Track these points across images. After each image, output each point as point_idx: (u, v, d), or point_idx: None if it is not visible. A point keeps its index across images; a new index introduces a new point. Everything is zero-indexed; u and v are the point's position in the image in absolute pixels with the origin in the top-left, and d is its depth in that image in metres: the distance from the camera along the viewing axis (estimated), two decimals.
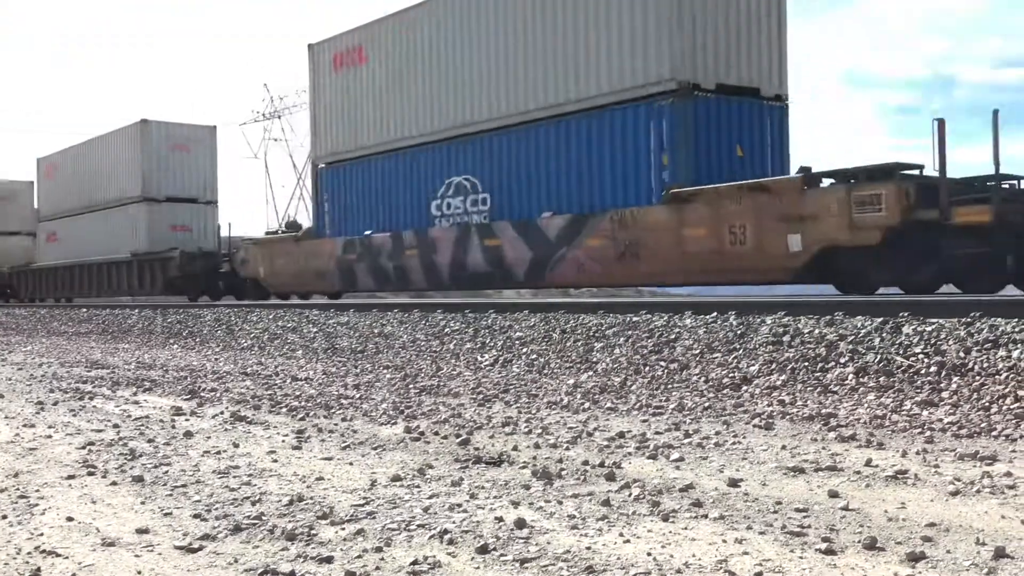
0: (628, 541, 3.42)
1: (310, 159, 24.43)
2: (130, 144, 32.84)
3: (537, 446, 5.41)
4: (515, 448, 5.36)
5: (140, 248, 32.10)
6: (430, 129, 20.48)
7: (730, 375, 7.64)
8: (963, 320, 7.29)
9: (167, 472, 4.90)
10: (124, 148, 33.19)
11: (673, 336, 8.94)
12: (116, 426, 6.60)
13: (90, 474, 4.93)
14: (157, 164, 32.27)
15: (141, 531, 3.74)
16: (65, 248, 37.28)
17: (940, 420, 5.70)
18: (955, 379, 6.45)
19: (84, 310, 24.48)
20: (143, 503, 4.25)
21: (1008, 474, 4.29)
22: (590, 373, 8.64)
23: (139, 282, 32.10)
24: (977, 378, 6.36)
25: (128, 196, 32.87)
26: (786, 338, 7.99)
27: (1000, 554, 3.10)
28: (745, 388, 7.32)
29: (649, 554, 3.26)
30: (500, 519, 3.73)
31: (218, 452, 5.47)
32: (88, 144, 36.27)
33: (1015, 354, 6.41)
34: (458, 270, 19.27)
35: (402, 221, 21.10)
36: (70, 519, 3.97)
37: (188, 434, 6.14)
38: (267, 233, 27.97)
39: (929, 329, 7.27)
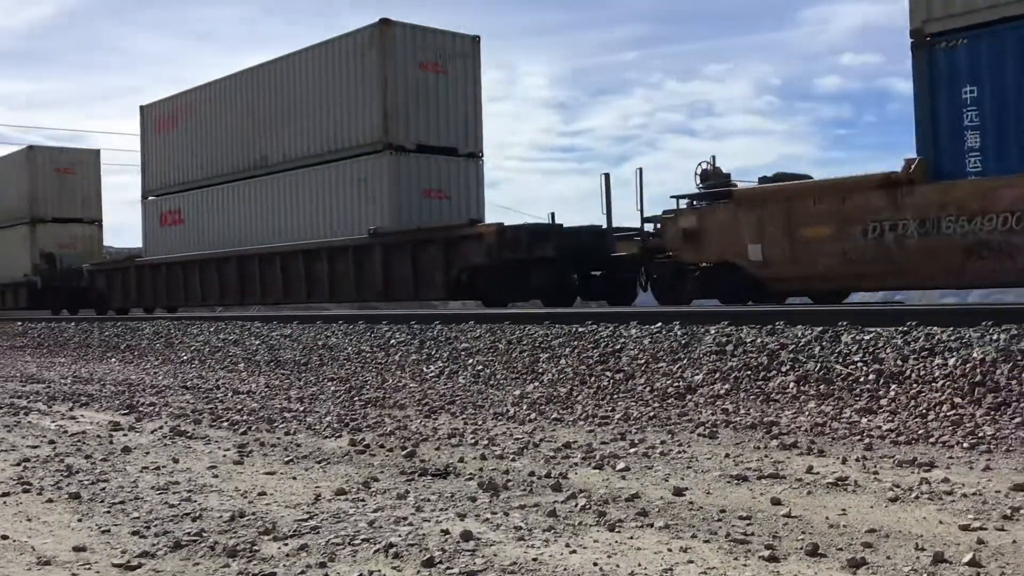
0: (574, 551, 3.43)
1: (920, 22, 12.09)
2: (356, 60, 20.13)
3: (484, 457, 5.40)
4: (461, 460, 5.34)
5: (383, 224, 19.41)
6: None
7: (675, 384, 7.70)
8: (900, 329, 7.43)
9: (105, 489, 4.80)
10: (342, 67, 20.46)
11: (618, 346, 8.99)
12: (52, 442, 6.46)
13: (25, 491, 4.81)
14: (404, 93, 19.72)
15: (78, 549, 3.66)
16: (200, 232, 24.63)
17: (879, 427, 5.80)
18: (893, 387, 6.57)
19: (19, 323, 23.89)
20: (80, 520, 4.16)
21: (945, 480, 4.37)
22: (536, 384, 8.65)
23: (387, 279, 19.22)
24: (914, 386, 6.49)
25: (354, 144, 20.15)
26: (729, 347, 8.08)
27: (939, 559, 3.16)
28: (689, 397, 7.38)
29: (595, 564, 3.26)
30: (446, 532, 3.71)
31: (157, 468, 5.37)
32: (262, 70, 22.99)
33: (951, 362, 6.55)
34: None
35: None
36: (5, 537, 3.87)
37: (126, 450, 6.02)
38: (720, 186, 15.05)
39: (867, 338, 7.40)
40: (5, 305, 33.57)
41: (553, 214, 17.86)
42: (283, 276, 21.65)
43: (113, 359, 15.15)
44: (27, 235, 32.40)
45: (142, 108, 27.48)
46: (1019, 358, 6.29)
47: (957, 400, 6.09)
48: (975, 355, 6.49)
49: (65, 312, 30.52)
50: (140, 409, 8.24)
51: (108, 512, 4.28)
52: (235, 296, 23.48)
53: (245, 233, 23.18)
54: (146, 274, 26.40)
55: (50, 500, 4.59)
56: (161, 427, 7.06)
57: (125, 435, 6.75)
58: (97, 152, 34.11)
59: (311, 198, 21.33)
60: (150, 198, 27.26)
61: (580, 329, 9.87)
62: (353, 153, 20.25)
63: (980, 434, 5.38)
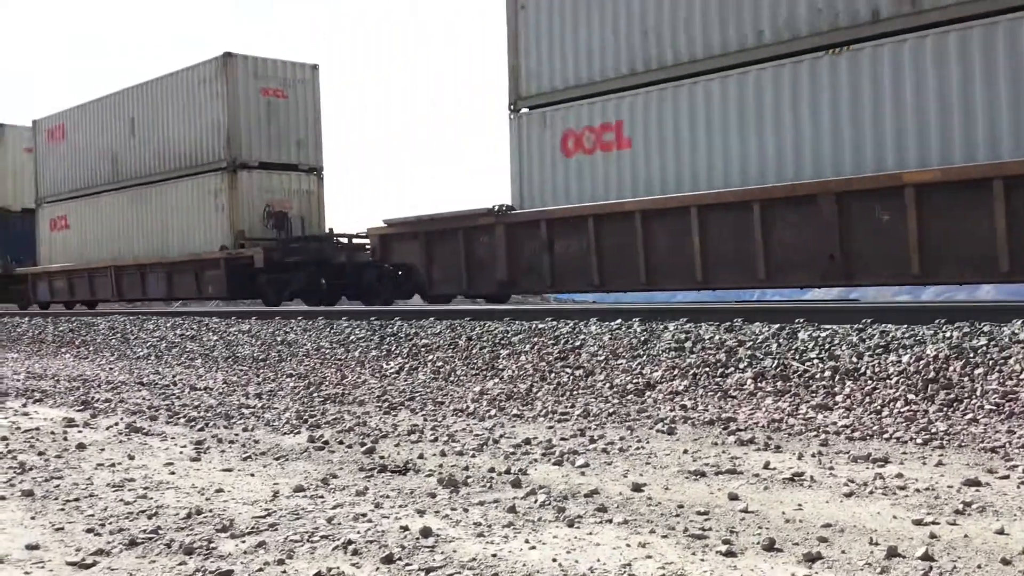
0: (534, 548, 3.43)
1: None
2: None
3: (443, 454, 5.39)
4: (421, 456, 5.33)
5: None
6: None
7: (634, 381, 7.74)
8: (855, 326, 7.52)
9: (59, 486, 4.74)
10: None
11: (578, 343, 9.02)
12: (4, 438, 6.35)
13: None
14: None
15: (31, 547, 3.61)
16: (671, 162, 13.17)
17: (834, 423, 5.87)
18: (848, 383, 6.66)
19: None
20: (33, 518, 4.09)
21: (899, 475, 4.44)
22: (496, 380, 8.65)
23: None
24: (869, 382, 6.57)
25: None
26: (688, 344, 8.13)
27: (892, 553, 3.21)
28: (649, 394, 7.43)
29: (555, 560, 3.27)
30: (406, 528, 3.71)
31: (112, 465, 5.30)
32: None
33: (905, 359, 6.64)
34: None
35: None
36: None
37: (81, 446, 5.94)
38: None
39: (823, 335, 7.49)
40: (174, 293, 22.68)
41: None
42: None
43: (67, 355, 14.93)
44: (223, 188, 20.91)
45: None
46: (971, 355, 6.40)
47: (911, 396, 6.19)
48: (929, 352, 6.60)
49: (289, 303, 20.24)
50: (95, 405, 8.13)
51: (62, 509, 4.23)
52: (823, 271, 11.61)
53: (811, 156, 11.80)
54: (536, 237, 14.53)
55: (2, 497, 4.51)
56: (116, 423, 6.97)
57: (80, 432, 6.66)
58: (315, 68, 22.23)
59: None
60: (526, 111, 15.12)
61: (540, 326, 9.89)
62: None
63: (933, 430, 5.47)
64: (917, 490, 4.15)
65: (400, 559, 3.32)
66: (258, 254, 19.87)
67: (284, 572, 3.23)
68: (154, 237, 22.81)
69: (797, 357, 7.25)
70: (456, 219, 15.66)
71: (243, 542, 3.59)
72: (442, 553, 3.38)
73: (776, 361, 7.29)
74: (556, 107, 14.58)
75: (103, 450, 5.83)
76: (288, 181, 21.54)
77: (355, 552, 3.41)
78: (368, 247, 18.33)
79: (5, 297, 28.44)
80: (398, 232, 16.91)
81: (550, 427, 6.29)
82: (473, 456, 5.31)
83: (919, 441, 5.25)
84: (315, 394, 8.45)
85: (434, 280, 16.20)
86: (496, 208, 14.97)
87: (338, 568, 3.24)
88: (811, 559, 3.20)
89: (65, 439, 6.30)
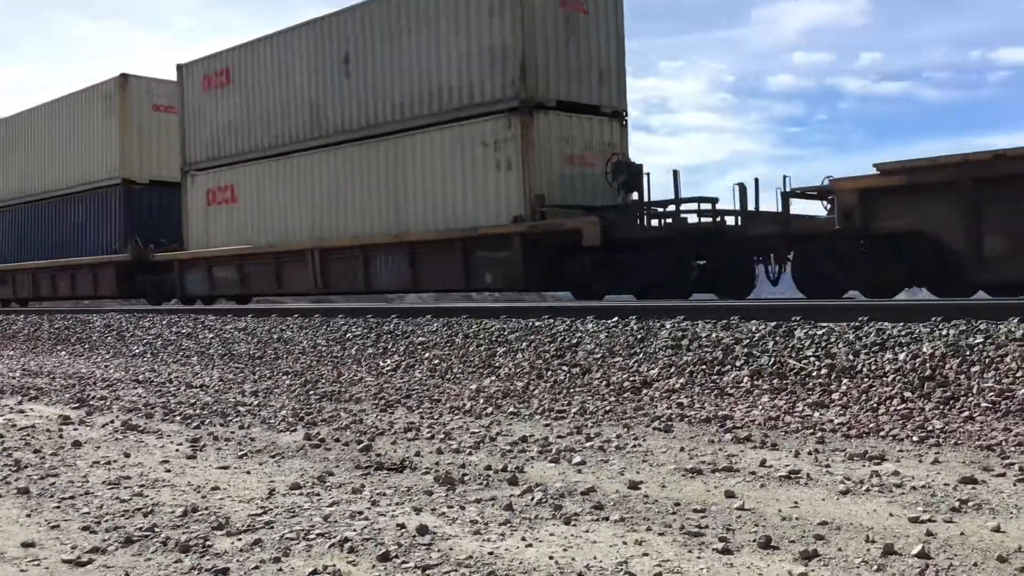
0: (530, 545, 3.43)
1: None
2: None
3: (440, 451, 5.39)
4: (417, 454, 5.32)
5: None
6: None
7: (631, 379, 7.74)
8: (852, 324, 7.53)
9: (54, 483, 4.73)
10: None
11: (575, 340, 9.01)
12: (0, 436, 6.34)
13: None
14: None
15: (27, 545, 3.60)
16: None
17: (831, 421, 5.87)
18: (845, 381, 6.66)
19: None
20: (29, 516, 4.09)
21: (896, 473, 4.44)
22: (493, 378, 8.64)
23: None
24: (865, 380, 6.58)
25: None
26: (684, 342, 8.14)
27: (889, 551, 3.21)
28: (645, 391, 7.43)
29: (551, 558, 3.27)
30: (402, 526, 3.70)
31: (108, 462, 5.30)
32: None
33: (901, 356, 6.65)
34: None
35: None
36: None
37: (77, 444, 5.93)
38: None
39: (820, 332, 7.49)
40: (420, 283, 17.19)
41: None
42: None
43: (63, 352, 14.91)
44: (512, 137, 15.09)
45: None
46: (968, 353, 6.41)
47: (907, 394, 6.19)
48: (925, 350, 6.60)
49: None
50: (91, 403, 8.11)
51: (58, 507, 4.22)
52: None
53: None
54: None
55: None
56: (112, 421, 6.96)
57: (75, 429, 6.65)
58: None
59: None
60: None
61: (537, 323, 9.88)
62: None
63: (929, 428, 5.47)
64: (913, 488, 4.15)
65: (396, 557, 3.32)
66: (591, 226, 13.77)
67: (280, 570, 3.22)
68: (384, 208, 17.05)
69: (794, 355, 7.25)
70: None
71: (239, 540, 3.58)
72: (438, 551, 3.38)
73: (772, 359, 7.29)
74: None
75: (99, 448, 5.82)
76: (589, 129, 15.62)
77: (351, 550, 3.40)
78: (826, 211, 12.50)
79: (131, 290, 23.55)
80: (903, 183, 10.79)
81: (547, 425, 6.29)
82: (470, 454, 5.31)
83: (915, 439, 5.25)
84: (311, 392, 8.45)
85: (985, 258, 10.42)
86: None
87: (334, 566, 3.23)
88: (807, 557, 3.20)
89: (61, 437, 6.29)
